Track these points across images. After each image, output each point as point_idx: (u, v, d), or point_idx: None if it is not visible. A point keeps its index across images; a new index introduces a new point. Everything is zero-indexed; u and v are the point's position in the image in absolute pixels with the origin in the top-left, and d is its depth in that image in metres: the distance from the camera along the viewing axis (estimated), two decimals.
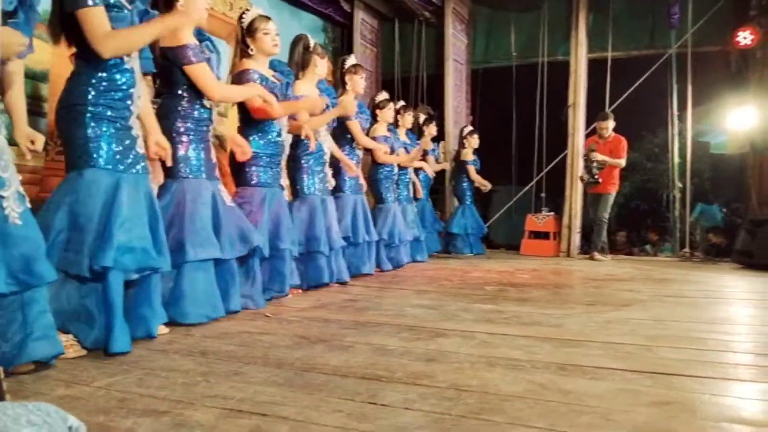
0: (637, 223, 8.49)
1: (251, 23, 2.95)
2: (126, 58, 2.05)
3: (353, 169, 4.06)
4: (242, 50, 2.99)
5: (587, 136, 6.31)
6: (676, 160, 6.48)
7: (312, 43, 3.52)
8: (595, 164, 5.72)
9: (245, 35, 2.98)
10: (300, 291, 3.33)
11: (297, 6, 5.93)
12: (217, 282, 2.52)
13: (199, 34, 2.61)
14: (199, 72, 2.45)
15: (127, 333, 1.93)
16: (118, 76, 2.03)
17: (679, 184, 6.46)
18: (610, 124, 5.87)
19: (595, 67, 6.53)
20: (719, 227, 6.84)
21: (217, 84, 2.56)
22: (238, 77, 2.89)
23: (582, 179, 5.96)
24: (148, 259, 2.01)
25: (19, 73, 2.05)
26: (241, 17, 3.00)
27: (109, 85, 2.00)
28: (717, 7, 5.90)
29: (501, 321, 2.54)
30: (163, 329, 2.20)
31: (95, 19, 1.91)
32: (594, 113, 6.22)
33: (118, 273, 1.92)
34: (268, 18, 2.99)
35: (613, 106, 6.36)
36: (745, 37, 5.47)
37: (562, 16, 6.62)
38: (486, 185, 6.35)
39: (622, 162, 5.85)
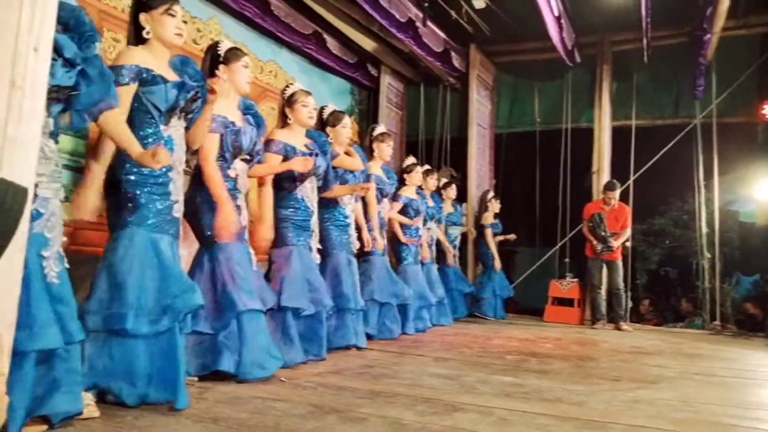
0: (666, 291, 8.26)
1: (293, 95, 3.16)
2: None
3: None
4: (282, 119, 3.18)
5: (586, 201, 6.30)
6: (704, 230, 6.36)
7: (326, 113, 3.63)
8: (609, 234, 5.72)
9: (285, 105, 3.16)
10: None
11: (326, 70, 6.16)
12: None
13: (246, 107, 2.77)
14: (207, 140, 2.52)
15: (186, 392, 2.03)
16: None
17: (707, 255, 6.31)
18: (617, 194, 5.89)
19: (620, 135, 6.57)
20: (757, 297, 6.59)
21: (212, 159, 2.55)
22: (266, 144, 3.00)
23: (596, 251, 5.90)
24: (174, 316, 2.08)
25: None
26: (284, 89, 3.21)
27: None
28: (741, 79, 5.94)
29: (520, 396, 2.46)
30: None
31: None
32: (618, 180, 6.20)
33: (174, 330, 2.04)
34: (308, 93, 3.19)
35: (638, 174, 6.35)
36: None
37: (585, 84, 6.74)
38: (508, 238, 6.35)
39: (629, 231, 5.88)
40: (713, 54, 5.79)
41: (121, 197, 2.12)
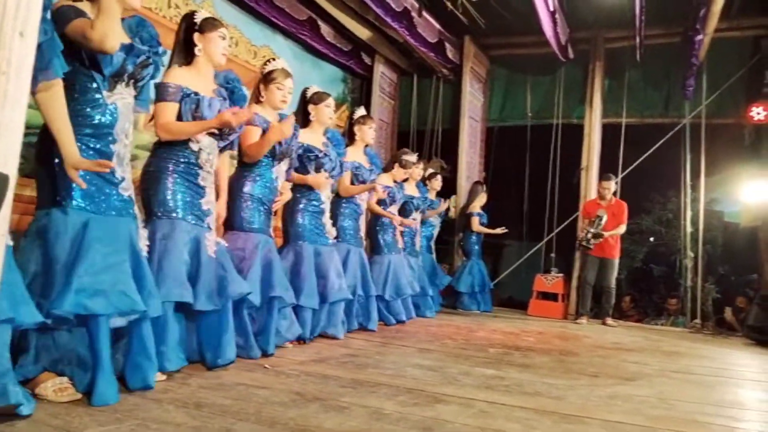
0: (649, 288, 8.38)
1: (271, 73, 3.02)
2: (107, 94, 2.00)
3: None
4: (255, 94, 3.05)
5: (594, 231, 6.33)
6: (689, 229, 6.45)
7: (309, 93, 3.50)
8: (591, 234, 5.75)
9: (261, 81, 3.04)
10: (297, 343, 3.23)
11: (319, 57, 6.13)
12: (207, 332, 2.48)
13: (227, 80, 2.63)
14: (158, 109, 2.39)
15: (113, 383, 1.89)
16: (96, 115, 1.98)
17: (690, 254, 6.40)
18: (612, 185, 5.91)
19: (609, 132, 6.62)
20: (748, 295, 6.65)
21: (162, 123, 2.39)
22: None
23: (580, 243, 5.95)
24: (126, 302, 1.91)
25: None
26: (266, 63, 3.07)
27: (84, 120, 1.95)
28: (731, 81, 5.99)
29: (502, 388, 2.49)
30: (159, 376, 2.18)
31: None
32: None
33: (96, 320, 1.86)
34: (289, 74, 3.05)
35: (626, 171, 6.40)
36: (758, 113, 5.53)
37: (577, 81, 6.76)
38: (497, 232, 6.39)
39: (623, 228, 5.84)
40: (704, 55, 5.83)
41: (56, 172, 1.90)
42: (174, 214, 2.40)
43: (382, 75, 6.89)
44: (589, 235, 5.79)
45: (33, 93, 1.72)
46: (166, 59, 2.28)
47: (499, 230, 6.39)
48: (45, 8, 1.56)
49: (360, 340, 3.65)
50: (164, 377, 2.21)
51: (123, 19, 2.02)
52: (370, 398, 2.16)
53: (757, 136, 6.11)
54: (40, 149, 1.95)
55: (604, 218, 5.75)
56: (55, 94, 1.80)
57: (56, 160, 1.88)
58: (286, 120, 2.89)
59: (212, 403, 1.96)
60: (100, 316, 1.87)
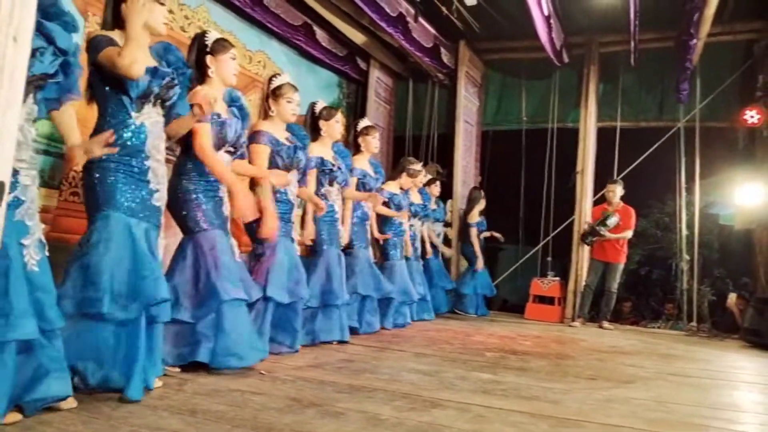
0: (646, 291, 8.39)
1: (279, 88, 3.11)
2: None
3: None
4: (264, 109, 3.14)
5: (595, 203, 6.35)
6: (684, 232, 6.47)
7: (318, 108, 3.64)
8: (593, 228, 5.77)
9: (270, 96, 3.11)
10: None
11: (314, 62, 6.13)
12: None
13: (231, 99, 2.74)
14: (199, 130, 2.50)
15: (141, 381, 2.00)
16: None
17: (686, 257, 6.42)
18: (618, 189, 5.91)
19: (604, 136, 6.64)
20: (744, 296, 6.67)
21: (209, 149, 2.54)
22: (252, 136, 2.99)
23: (583, 238, 5.97)
24: (151, 307, 2.07)
25: None
26: (271, 78, 3.16)
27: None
28: (725, 85, 6.03)
29: (498, 393, 2.49)
30: (156, 382, 2.17)
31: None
32: (602, 180, 6.28)
33: (138, 319, 2.03)
34: (295, 89, 3.15)
35: (622, 175, 6.42)
36: (752, 116, 5.56)
37: (572, 85, 6.78)
38: (497, 236, 6.44)
39: (629, 234, 5.85)
40: (698, 59, 5.86)
41: (95, 182, 2.09)
42: (211, 227, 2.58)
43: (377, 80, 6.90)
44: (589, 228, 5.83)
45: (51, 112, 1.91)
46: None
47: (498, 235, 6.43)
48: (73, 30, 1.79)
49: (357, 345, 3.64)
50: (161, 383, 2.20)
51: (151, 46, 2.22)
52: (367, 403, 2.15)
53: (751, 140, 6.14)
54: (86, 169, 2.11)
55: (612, 219, 5.75)
56: (70, 110, 1.98)
57: (101, 169, 2.09)
58: (282, 176, 3.08)
59: (207, 409, 1.95)
60: (140, 317, 2.03)
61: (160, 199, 2.24)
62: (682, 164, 6.41)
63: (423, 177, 5.48)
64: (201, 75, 2.64)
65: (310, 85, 5.79)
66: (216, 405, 2.00)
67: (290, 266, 3.11)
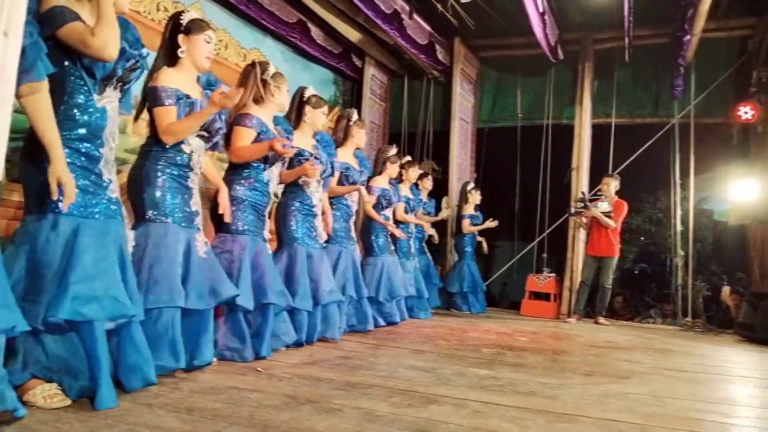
0: (640, 287, 8.42)
1: (280, 76, 3.07)
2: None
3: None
4: (254, 95, 3.01)
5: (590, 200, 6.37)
6: (679, 228, 6.50)
7: (307, 94, 3.53)
8: (589, 206, 5.81)
9: (270, 83, 3.02)
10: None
11: (309, 59, 6.12)
12: (187, 332, 2.42)
13: (208, 83, 2.60)
14: (160, 114, 2.37)
15: (113, 387, 1.89)
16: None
17: (681, 252, 6.45)
18: (613, 183, 5.93)
19: (599, 132, 6.66)
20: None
21: (167, 126, 2.36)
22: (238, 119, 2.89)
23: (573, 207, 6.02)
24: (118, 307, 1.92)
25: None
26: (264, 64, 3.05)
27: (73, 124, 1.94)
28: (719, 81, 6.05)
29: (495, 388, 2.49)
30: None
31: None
32: (597, 177, 6.29)
33: (90, 325, 1.85)
34: (284, 78, 3.10)
35: (617, 171, 6.44)
36: (746, 112, 5.59)
37: (567, 82, 6.80)
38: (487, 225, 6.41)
39: (611, 223, 5.82)
40: (692, 55, 5.88)
41: (44, 176, 1.82)
42: (167, 218, 2.39)
43: (372, 77, 6.89)
44: (581, 199, 5.91)
45: (17, 96, 1.68)
46: (149, 61, 2.27)
47: (489, 223, 6.36)
48: (29, 9, 1.54)
49: (353, 342, 3.64)
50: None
51: None
52: (363, 400, 2.15)
53: (745, 135, 6.18)
54: (26, 153, 1.92)
55: (605, 204, 5.77)
56: (41, 97, 1.77)
57: (45, 164, 1.86)
58: (291, 147, 2.95)
59: (204, 407, 1.94)
60: (95, 322, 1.86)
61: (115, 190, 2.06)
62: (676, 160, 6.45)
63: (417, 171, 5.47)
64: (171, 56, 2.47)
65: (305, 83, 5.69)
66: (212, 403, 2.00)
67: (262, 268, 2.91)
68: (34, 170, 1.89)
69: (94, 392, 1.85)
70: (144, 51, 2.13)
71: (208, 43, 2.50)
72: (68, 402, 1.86)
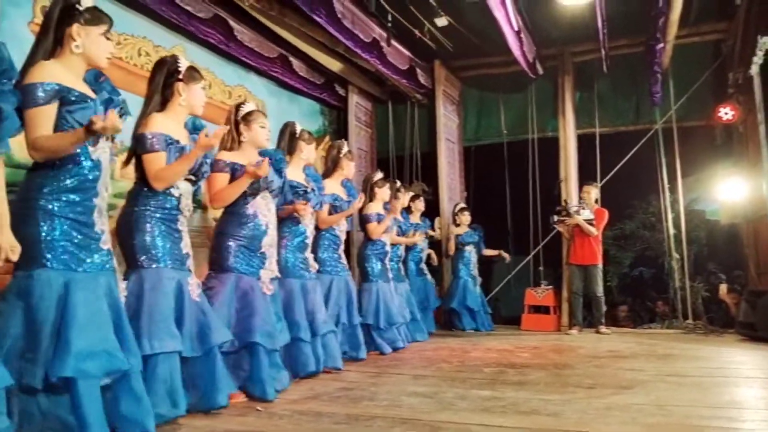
0: (640, 293, 8.39)
1: (250, 113, 3.05)
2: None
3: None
4: (231, 139, 3.02)
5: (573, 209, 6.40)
6: (671, 230, 6.53)
7: (299, 129, 3.60)
8: (571, 213, 5.84)
9: (241, 123, 3.03)
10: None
11: (294, 92, 6.18)
12: (193, 378, 2.42)
13: (194, 127, 2.63)
14: (150, 160, 2.38)
15: None
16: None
17: (676, 255, 6.46)
18: (593, 191, 5.98)
19: (585, 142, 6.73)
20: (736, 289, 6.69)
21: (157, 171, 2.37)
22: (211, 165, 2.83)
23: (554, 214, 6.05)
24: (114, 362, 1.91)
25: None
26: (239, 106, 3.07)
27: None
28: (697, 84, 6.14)
29: (498, 410, 2.47)
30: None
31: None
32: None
33: (86, 382, 1.84)
34: (265, 115, 3.11)
35: (605, 180, 6.49)
36: (726, 113, 5.66)
37: (549, 95, 6.88)
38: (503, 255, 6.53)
39: (593, 231, 5.82)
40: (669, 61, 5.97)
41: (37, 232, 1.89)
42: (159, 264, 2.38)
43: (357, 105, 6.96)
44: (564, 207, 5.94)
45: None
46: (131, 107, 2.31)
47: (502, 255, 6.55)
48: (9, 78, 1.61)
49: (353, 372, 3.61)
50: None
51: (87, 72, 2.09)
52: None
53: (728, 136, 6.26)
54: (19, 208, 1.92)
55: (587, 212, 5.79)
56: (2, 167, 1.77)
57: (32, 220, 1.88)
58: (262, 162, 2.85)
59: None
60: (92, 379, 1.85)
61: (107, 241, 2.08)
62: (663, 164, 6.50)
63: (405, 195, 5.51)
64: (165, 101, 2.51)
65: (293, 115, 5.80)
66: None
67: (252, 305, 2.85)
68: (25, 226, 1.89)
69: None
70: (120, 98, 2.16)
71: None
72: None
